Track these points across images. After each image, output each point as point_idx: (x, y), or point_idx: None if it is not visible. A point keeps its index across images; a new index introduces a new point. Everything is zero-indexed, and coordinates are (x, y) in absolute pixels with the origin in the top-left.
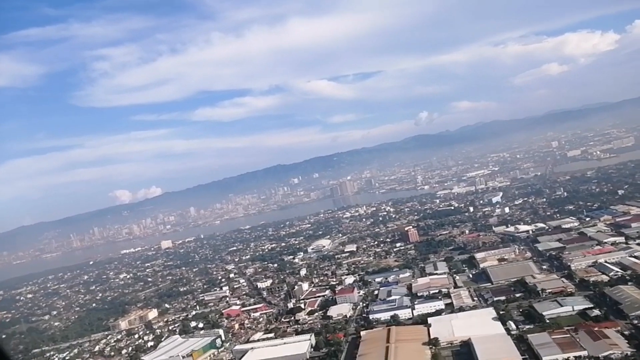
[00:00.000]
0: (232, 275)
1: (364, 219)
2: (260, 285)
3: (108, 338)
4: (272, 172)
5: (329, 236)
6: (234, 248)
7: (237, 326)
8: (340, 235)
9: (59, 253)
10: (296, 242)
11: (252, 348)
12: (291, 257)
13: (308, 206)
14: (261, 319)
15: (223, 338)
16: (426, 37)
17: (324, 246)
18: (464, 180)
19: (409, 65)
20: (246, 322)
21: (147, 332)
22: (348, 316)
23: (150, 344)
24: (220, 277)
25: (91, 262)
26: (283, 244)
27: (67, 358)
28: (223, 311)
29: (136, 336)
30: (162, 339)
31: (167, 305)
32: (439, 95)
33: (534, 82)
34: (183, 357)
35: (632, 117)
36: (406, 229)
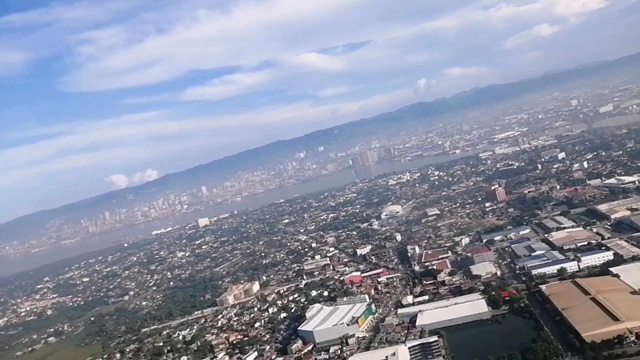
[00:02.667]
0: (314, 245)
1: (416, 185)
2: (360, 251)
3: (224, 313)
4: (273, 148)
5: (390, 202)
6: (287, 220)
7: (372, 291)
8: (404, 200)
9: (77, 239)
10: (356, 210)
11: (419, 311)
12: (366, 224)
13: (329, 178)
14: (394, 284)
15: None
16: (414, 3)
17: (398, 212)
18: (496, 142)
19: (398, 34)
20: (378, 287)
21: (264, 304)
22: (498, 274)
23: (282, 314)
24: (300, 248)
25: (126, 245)
26: (343, 214)
27: (190, 333)
28: (344, 278)
29: (255, 309)
30: (306, 310)
31: (264, 278)
32: (430, 62)
33: (526, 44)
34: (347, 324)
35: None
36: (492, 188)
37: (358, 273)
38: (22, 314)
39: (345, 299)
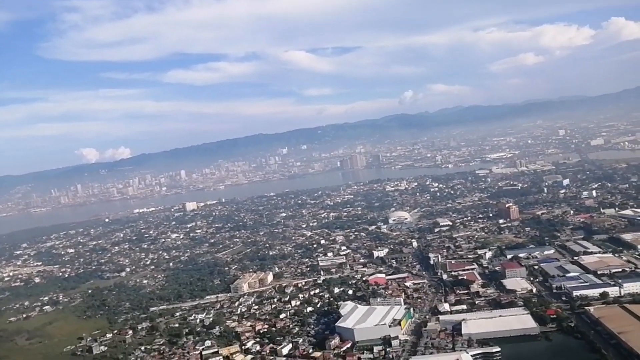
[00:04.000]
0: (322, 241)
1: (417, 194)
2: (376, 254)
3: (241, 300)
4: (254, 140)
5: (393, 208)
6: (284, 214)
7: (402, 296)
8: (408, 208)
9: (48, 208)
10: (358, 212)
11: (463, 320)
12: (373, 226)
13: (316, 177)
14: (424, 290)
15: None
16: (407, 16)
17: (406, 218)
18: (489, 161)
19: (388, 43)
20: (407, 291)
21: (284, 296)
22: (534, 291)
23: (309, 308)
24: (307, 243)
25: (107, 220)
26: (345, 214)
27: (208, 317)
28: (368, 279)
29: (275, 300)
30: (334, 307)
31: (277, 269)
32: (415, 75)
33: (510, 70)
34: (389, 325)
35: (622, 110)
36: (506, 205)
37: (382, 275)
38: (6, 279)
39: (379, 299)
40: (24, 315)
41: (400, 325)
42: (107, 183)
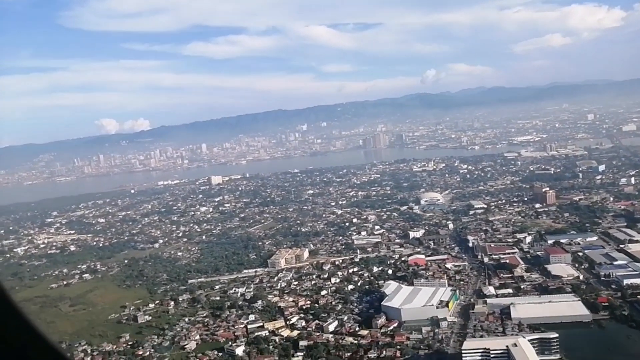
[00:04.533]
0: (354, 220)
1: (446, 175)
2: (412, 234)
3: (279, 276)
4: (272, 116)
5: (423, 189)
6: (311, 191)
7: (444, 277)
8: (439, 189)
9: (72, 178)
10: (387, 191)
11: (512, 304)
12: (405, 207)
13: (339, 156)
14: (466, 272)
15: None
16: None
17: (438, 199)
18: (515, 144)
19: (410, 21)
20: (450, 273)
21: (322, 273)
22: (580, 278)
23: (350, 286)
24: (338, 221)
25: (132, 191)
26: (373, 193)
27: (248, 291)
28: (408, 259)
29: (314, 276)
30: (376, 286)
31: (311, 246)
32: (437, 54)
33: (535, 51)
34: (437, 306)
35: None
36: (543, 190)
37: (422, 256)
38: (41, 246)
39: (422, 280)
40: (64, 282)
41: (447, 307)
42: (128, 154)
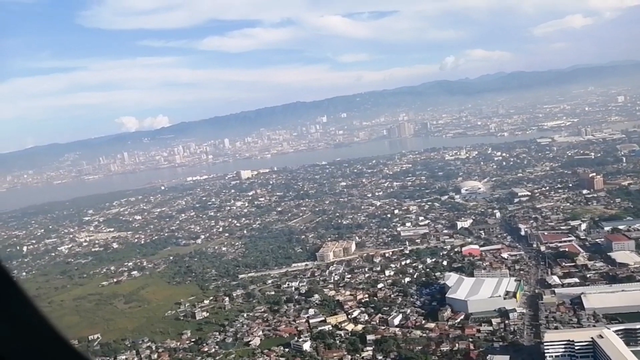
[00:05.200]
0: (396, 211)
1: (481, 163)
2: (460, 224)
3: (331, 269)
4: (291, 108)
5: (460, 177)
6: (344, 183)
7: (503, 267)
8: (476, 177)
9: (100, 176)
10: (423, 181)
11: (582, 293)
12: (446, 197)
13: (363, 146)
14: (524, 261)
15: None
16: None
17: (479, 188)
18: (546, 129)
19: (426, 7)
20: (508, 263)
21: (374, 265)
22: None
23: (406, 279)
24: (379, 213)
25: (163, 187)
26: (409, 183)
27: (302, 285)
28: (462, 250)
29: (366, 269)
30: (432, 278)
31: (357, 239)
32: (454, 41)
33: (555, 33)
34: (504, 297)
35: None
36: (590, 175)
37: (476, 246)
38: (84, 244)
39: (482, 271)
40: (115, 280)
41: (515, 297)
42: (150, 151)
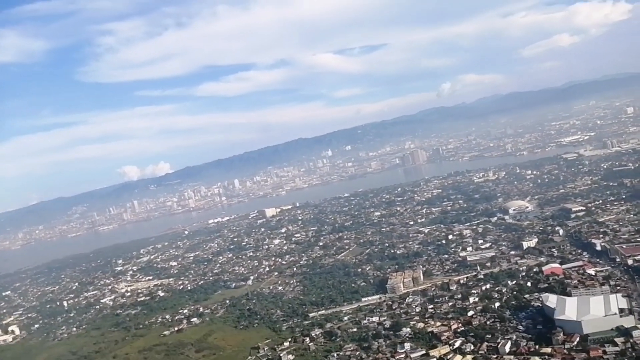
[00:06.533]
0: (450, 237)
1: (514, 182)
2: (526, 244)
3: (407, 301)
4: (294, 145)
5: (501, 198)
6: (379, 213)
7: (597, 284)
8: (517, 197)
9: (114, 226)
10: (462, 205)
11: None
12: (494, 218)
13: (379, 176)
14: (613, 276)
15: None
16: (434, 7)
17: (527, 207)
18: (565, 145)
19: (415, 38)
20: (599, 280)
21: (450, 293)
22: None
23: (496, 304)
24: (431, 240)
25: (186, 232)
26: (449, 208)
27: (383, 319)
28: (543, 269)
29: (445, 297)
30: (534, 299)
31: (421, 267)
32: (445, 68)
33: (544, 53)
34: (620, 315)
35: None
36: None
37: (557, 264)
38: (127, 294)
39: (581, 290)
40: (176, 329)
41: (632, 314)
42: (159, 197)
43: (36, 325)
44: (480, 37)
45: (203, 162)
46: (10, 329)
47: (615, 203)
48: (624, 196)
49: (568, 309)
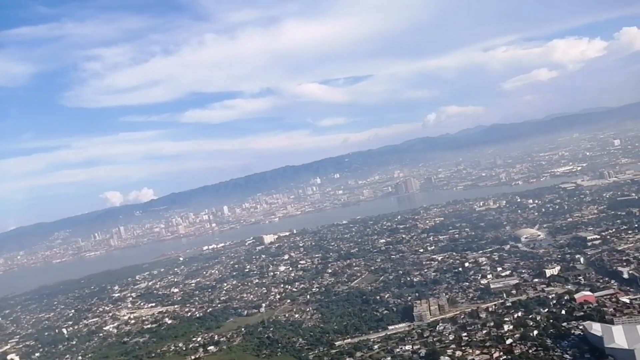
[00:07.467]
0: (467, 264)
1: (518, 211)
2: (549, 272)
3: (438, 329)
4: (281, 172)
5: (508, 227)
6: (384, 240)
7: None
8: (525, 225)
9: (101, 252)
10: (469, 233)
11: None
12: (507, 246)
13: (372, 204)
14: None
15: None
16: (417, 41)
17: (539, 235)
18: (559, 175)
19: (399, 70)
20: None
21: (481, 321)
22: None
23: (534, 332)
24: (446, 268)
25: (181, 259)
26: (457, 236)
27: (417, 347)
28: (576, 297)
29: (478, 325)
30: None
31: (446, 295)
32: (428, 99)
33: (524, 87)
34: None
35: None
36: None
37: (588, 292)
38: (131, 321)
39: (623, 318)
40: (192, 357)
41: None
42: (144, 224)
43: (37, 354)
44: (462, 70)
45: (189, 189)
46: (9, 357)
47: (630, 232)
48: (636, 225)
49: (616, 337)
